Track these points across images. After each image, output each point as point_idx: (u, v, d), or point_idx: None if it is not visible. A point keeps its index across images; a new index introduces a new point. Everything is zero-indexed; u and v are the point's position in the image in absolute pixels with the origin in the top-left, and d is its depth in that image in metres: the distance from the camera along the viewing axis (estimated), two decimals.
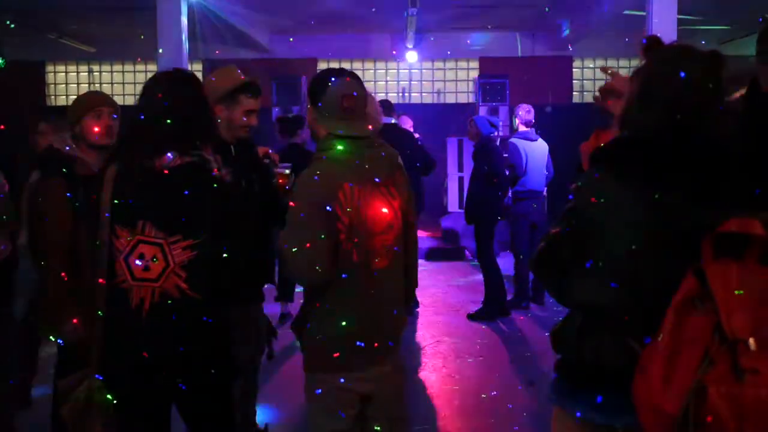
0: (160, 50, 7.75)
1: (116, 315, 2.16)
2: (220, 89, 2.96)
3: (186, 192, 2.12)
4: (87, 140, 2.95)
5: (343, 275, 2.20)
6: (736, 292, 1.26)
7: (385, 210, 2.25)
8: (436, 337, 5.80)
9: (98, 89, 13.03)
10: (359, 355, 2.23)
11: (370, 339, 2.25)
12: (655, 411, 1.30)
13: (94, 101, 3.04)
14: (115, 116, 3.00)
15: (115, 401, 2.18)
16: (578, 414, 1.63)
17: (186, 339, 2.13)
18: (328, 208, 2.14)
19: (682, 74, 1.51)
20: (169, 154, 2.14)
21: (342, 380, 2.24)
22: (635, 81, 1.62)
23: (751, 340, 1.23)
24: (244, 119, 2.98)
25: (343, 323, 2.20)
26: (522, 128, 6.75)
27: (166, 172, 2.13)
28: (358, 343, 2.22)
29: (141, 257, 2.11)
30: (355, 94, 2.26)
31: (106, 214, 2.13)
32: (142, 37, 8.74)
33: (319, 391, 2.28)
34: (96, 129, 2.94)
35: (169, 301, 2.11)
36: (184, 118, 2.19)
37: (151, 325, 2.12)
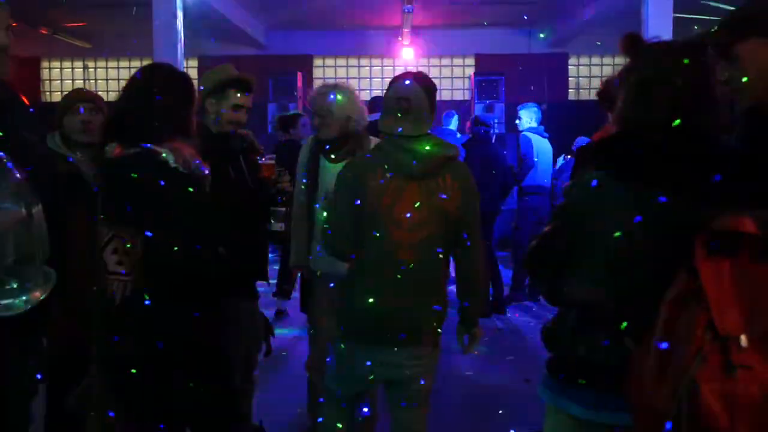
0: (156, 46, 7.73)
1: (98, 310, 2.17)
2: (210, 82, 3.01)
3: (129, 183, 2.11)
4: (70, 138, 2.94)
5: (370, 260, 2.42)
6: (728, 289, 1.27)
7: (414, 206, 2.38)
8: None
9: (93, 86, 13.03)
10: (370, 334, 2.42)
11: (382, 324, 2.39)
12: (648, 408, 1.30)
13: (70, 99, 3.03)
14: (94, 111, 2.98)
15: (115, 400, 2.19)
16: (570, 411, 1.63)
17: (159, 333, 2.12)
18: (356, 188, 2.41)
19: (680, 76, 1.51)
20: (108, 146, 2.16)
21: (350, 352, 2.47)
22: (629, 80, 1.61)
23: (743, 337, 1.23)
24: (232, 113, 2.99)
25: (360, 302, 2.40)
26: (533, 124, 6.78)
27: (109, 163, 2.15)
28: (370, 324, 2.41)
29: (114, 251, 2.11)
30: (408, 96, 2.46)
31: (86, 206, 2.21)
32: (138, 33, 8.71)
33: (330, 359, 2.56)
34: (74, 126, 2.93)
35: (141, 295, 2.10)
36: (129, 110, 2.21)
37: (124, 319, 2.11)
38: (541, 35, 10.99)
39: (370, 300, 2.39)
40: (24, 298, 1.85)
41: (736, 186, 1.41)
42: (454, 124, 7.91)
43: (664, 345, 1.30)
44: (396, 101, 2.43)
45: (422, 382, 2.53)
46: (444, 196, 2.41)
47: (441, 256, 2.45)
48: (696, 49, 1.56)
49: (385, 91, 2.54)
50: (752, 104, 1.54)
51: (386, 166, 2.40)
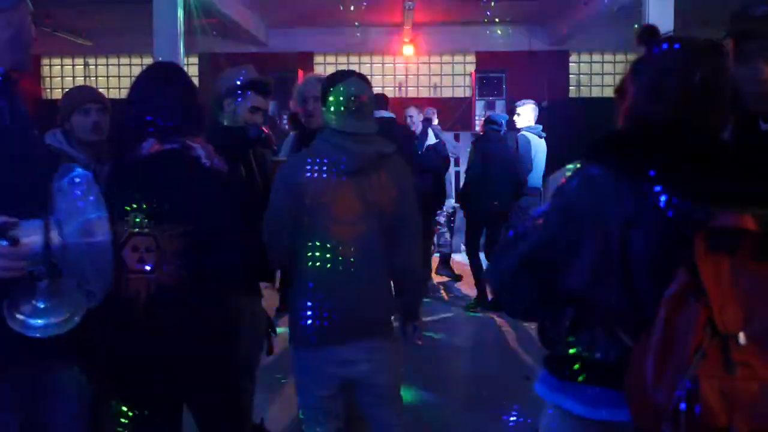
0: (156, 44, 7.72)
1: (114, 310, 2.12)
2: (228, 82, 3.00)
3: (168, 179, 2.13)
4: (77, 137, 2.95)
5: (312, 259, 2.43)
6: (727, 286, 1.27)
7: (351, 203, 2.42)
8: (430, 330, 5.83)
9: (94, 83, 13.02)
10: (319, 335, 2.43)
11: (328, 325, 2.41)
12: (647, 404, 1.31)
13: (81, 98, 3.03)
14: (102, 112, 2.99)
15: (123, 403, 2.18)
16: (568, 408, 1.62)
17: (186, 330, 2.12)
18: (292, 185, 2.43)
19: (698, 74, 1.50)
20: (146, 142, 2.14)
21: (312, 357, 2.48)
22: (642, 74, 1.60)
23: (741, 334, 1.24)
24: (250, 115, 2.99)
25: (305, 303, 2.44)
26: (531, 123, 6.71)
27: (146, 160, 2.14)
28: (321, 322, 2.43)
29: (135, 249, 2.10)
30: (360, 95, 2.48)
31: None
32: (138, 30, 8.71)
33: (297, 367, 2.58)
34: (84, 126, 2.94)
35: (167, 292, 2.10)
36: (162, 108, 2.20)
37: (148, 317, 2.10)
38: (498, 31, 10.93)
39: (315, 299, 2.42)
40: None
41: (740, 184, 1.41)
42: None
43: (664, 341, 1.30)
44: (348, 99, 2.46)
45: (384, 377, 2.54)
46: (378, 192, 2.45)
47: (381, 250, 2.47)
48: (712, 47, 1.55)
49: (325, 87, 2.56)
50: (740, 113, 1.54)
51: (322, 163, 2.43)
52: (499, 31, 10.83)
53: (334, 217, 2.41)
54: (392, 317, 2.62)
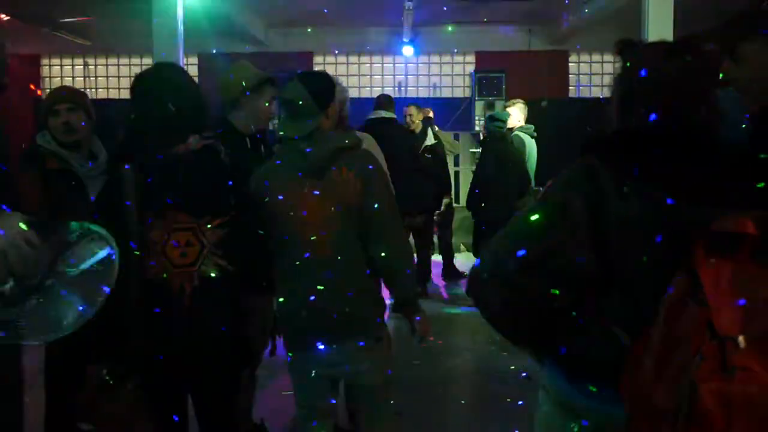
0: (156, 44, 7.72)
1: (157, 305, 2.16)
2: (250, 79, 3.15)
3: (207, 173, 2.21)
4: (55, 138, 2.96)
5: (287, 261, 2.46)
6: (726, 289, 1.27)
7: (316, 203, 2.41)
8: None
9: (93, 83, 13.02)
10: (306, 338, 2.46)
11: (315, 324, 2.43)
12: (645, 405, 1.30)
13: (52, 100, 3.04)
14: (72, 111, 2.98)
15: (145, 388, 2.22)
16: (564, 398, 1.62)
17: (228, 320, 2.21)
18: (260, 190, 2.46)
19: (667, 72, 1.50)
20: (191, 139, 2.22)
21: (300, 358, 2.52)
22: (620, 83, 1.60)
23: (741, 338, 1.23)
24: (270, 107, 3.20)
25: (285, 304, 2.49)
26: (522, 123, 6.68)
27: (189, 156, 2.20)
28: (302, 324, 2.46)
29: (176, 244, 2.14)
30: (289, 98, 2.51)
31: (131, 208, 2.16)
32: (138, 30, 8.70)
33: (289, 367, 2.60)
34: (56, 127, 2.95)
35: (210, 283, 2.17)
36: (186, 107, 2.25)
37: (195, 309, 2.15)
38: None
39: (295, 303, 2.44)
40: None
41: (739, 186, 1.41)
42: None
43: (664, 343, 1.30)
44: (284, 102, 2.51)
45: (370, 377, 2.52)
46: (341, 188, 2.42)
47: (357, 247, 2.45)
48: (684, 45, 1.54)
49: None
50: (763, 105, 1.53)
51: (282, 167, 2.48)
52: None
53: (302, 219, 2.41)
54: (382, 316, 2.58)
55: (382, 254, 2.46)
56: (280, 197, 2.43)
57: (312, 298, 2.41)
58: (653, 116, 1.49)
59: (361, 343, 2.47)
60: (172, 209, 2.16)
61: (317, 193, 2.42)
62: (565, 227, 1.52)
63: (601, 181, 1.51)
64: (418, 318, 2.56)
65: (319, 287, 2.41)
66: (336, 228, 2.42)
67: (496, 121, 6.49)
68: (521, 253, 1.52)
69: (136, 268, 2.12)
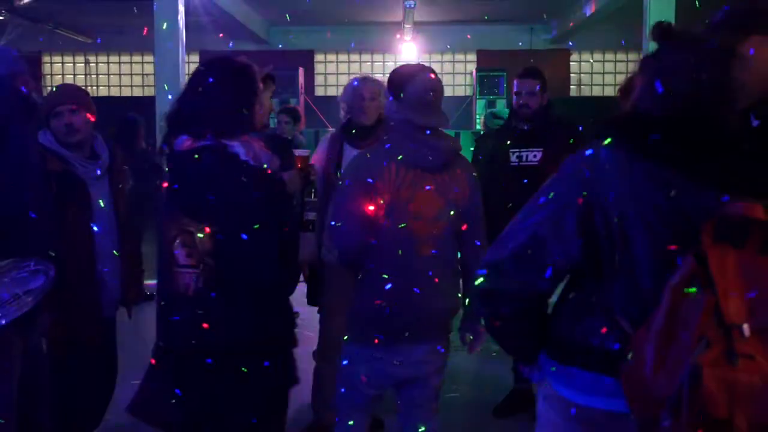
0: (157, 41, 7.72)
1: (166, 302, 2.18)
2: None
3: (201, 176, 2.10)
4: (59, 139, 2.93)
5: (384, 254, 2.34)
6: (733, 277, 1.26)
7: (432, 199, 2.35)
8: None
9: (95, 80, 13.03)
10: (385, 334, 2.35)
11: (398, 322, 2.33)
12: (645, 392, 1.30)
13: (53, 101, 3.00)
14: (75, 112, 2.96)
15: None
16: (564, 395, 1.61)
17: (226, 327, 2.12)
18: (369, 180, 2.31)
19: (704, 72, 1.49)
20: (179, 139, 2.12)
21: (372, 355, 2.38)
22: (649, 72, 1.59)
23: (746, 326, 1.22)
24: (269, 103, 3.18)
25: (375, 299, 2.33)
26: None
27: (179, 156, 2.13)
28: (391, 321, 2.33)
29: (183, 244, 2.12)
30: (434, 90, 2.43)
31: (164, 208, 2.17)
32: (139, 28, 8.70)
33: (345, 362, 2.46)
34: (59, 129, 2.92)
35: (210, 288, 2.11)
36: (197, 103, 2.15)
37: (196, 311, 2.11)
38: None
39: (389, 298, 2.32)
40: None
41: (752, 172, 1.40)
42: None
43: (667, 328, 1.29)
44: (427, 92, 2.40)
45: (436, 379, 2.51)
46: (456, 189, 2.40)
47: (454, 249, 2.43)
48: (722, 48, 1.54)
49: (406, 83, 2.44)
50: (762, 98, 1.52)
51: (401, 158, 2.34)
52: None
53: (414, 214, 2.34)
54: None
55: (472, 262, 2.44)
56: (396, 187, 2.34)
57: (408, 295, 2.33)
58: (672, 100, 1.48)
59: (439, 344, 2.45)
60: (178, 208, 2.15)
61: (436, 189, 2.37)
62: (559, 222, 1.51)
63: (604, 167, 1.49)
64: (479, 331, 2.54)
65: (416, 285, 2.34)
66: (443, 227, 2.39)
67: (496, 118, 6.48)
68: (514, 247, 1.53)
69: (168, 261, 2.15)
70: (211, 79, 2.16)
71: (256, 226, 2.09)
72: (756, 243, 1.28)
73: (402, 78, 2.44)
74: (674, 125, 1.47)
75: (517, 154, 3.65)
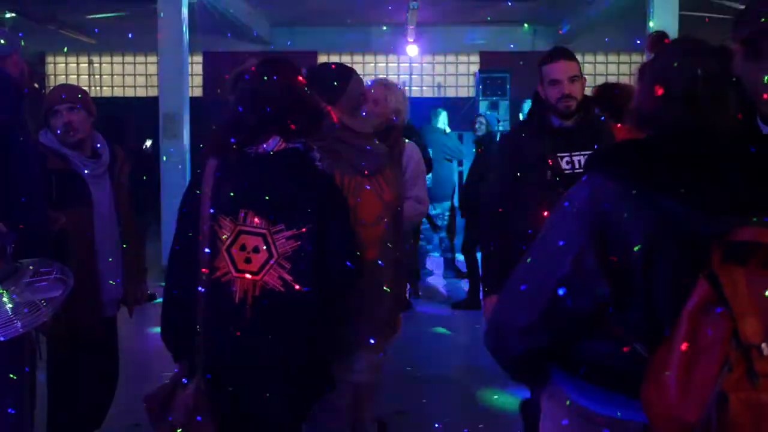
0: (160, 42, 7.74)
1: (218, 309, 2.03)
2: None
3: (288, 179, 2.05)
4: (59, 138, 2.91)
5: None
6: (745, 296, 1.25)
7: (374, 202, 2.34)
8: (426, 329, 5.84)
9: (98, 81, 13.05)
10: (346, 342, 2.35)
11: (356, 328, 2.34)
12: (673, 419, 1.28)
13: (51, 100, 2.98)
14: (73, 110, 2.94)
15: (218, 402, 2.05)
16: (572, 399, 1.60)
17: (287, 337, 2.02)
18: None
19: (700, 68, 1.49)
20: (271, 140, 2.06)
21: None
22: (648, 76, 1.59)
23: (764, 345, 1.22)
24: None
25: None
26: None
27: (268, 157, 2.05)
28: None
29: (242, 248, 2.01)
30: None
31: (210, 209, 2.03)
32: (143, 29, 8.71)
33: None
34: (57, 128, 2.91)
35: (271, 296, 2.00)
36: (282, 106, 2.09)
37: (254, 319, 2.00)
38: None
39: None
40: None
41: (758, 195, 1.39)
42: (442, 122, 7.82)
43: (689, 354, 1.28)
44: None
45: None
46: (388, 189, 2.41)
47: (391, 249, 2.44)
48: (718, 48, 1.54)
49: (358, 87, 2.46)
50: None
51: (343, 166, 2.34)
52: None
53: (359, 221, 2.30)
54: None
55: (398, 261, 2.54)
56: (346, 191, 2.35)
57: (358, 299, 2.34)
58: (684, 112, 1.48)
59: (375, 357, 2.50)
60: (246, 210, 2.02)
61: (378, 190, 2.40)
62: (580, 268, 1.48)
63: (607, 201, 1.48)
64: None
65: (366, 290, 2.36)
66: (384, 229, 2.42)
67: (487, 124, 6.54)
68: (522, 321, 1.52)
69: (203, 264, 2.02)
70: (297, 83, 2.12)
71: (336, 234, 2.06)
72: (761, 262, 1.27)
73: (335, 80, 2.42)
74: (671, 143, 1.46)
75: (568, 158, 2.85)
